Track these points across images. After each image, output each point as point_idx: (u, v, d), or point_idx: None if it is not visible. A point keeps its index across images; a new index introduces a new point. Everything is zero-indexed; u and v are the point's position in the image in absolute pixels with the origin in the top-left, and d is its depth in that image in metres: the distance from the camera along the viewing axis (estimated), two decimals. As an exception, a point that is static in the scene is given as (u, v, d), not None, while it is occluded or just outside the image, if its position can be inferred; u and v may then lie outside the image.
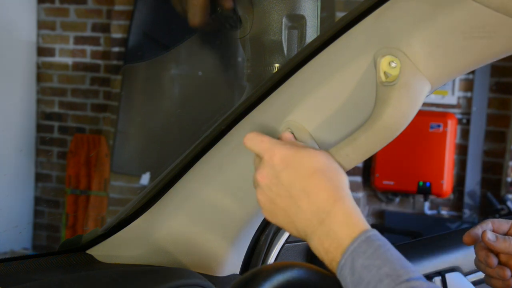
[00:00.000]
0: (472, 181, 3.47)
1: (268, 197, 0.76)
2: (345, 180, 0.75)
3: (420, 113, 3.51)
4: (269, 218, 0.78)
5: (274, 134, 0.86)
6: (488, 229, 0.95)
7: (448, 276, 1.18)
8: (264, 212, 0.79)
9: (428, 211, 3.50)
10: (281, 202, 0.75)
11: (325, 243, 0.71)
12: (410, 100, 0.74)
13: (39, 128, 4.07)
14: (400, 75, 0.74)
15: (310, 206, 0.73)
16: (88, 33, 3.96)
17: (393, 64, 0.75)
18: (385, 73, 0.75)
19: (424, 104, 3.42)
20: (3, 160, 3.80)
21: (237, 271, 1.01)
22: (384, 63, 0.75)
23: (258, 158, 0.79)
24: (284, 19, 0.97)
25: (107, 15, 3.89)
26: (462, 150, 3.49)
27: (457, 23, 0.72)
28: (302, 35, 0.98)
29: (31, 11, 4.00)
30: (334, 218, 0.71)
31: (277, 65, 0.99)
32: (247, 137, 0.79)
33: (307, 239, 0.75)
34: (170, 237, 0.97)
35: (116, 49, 3.83)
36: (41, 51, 4.04)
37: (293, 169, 0.74)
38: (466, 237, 0.95)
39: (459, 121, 3.48)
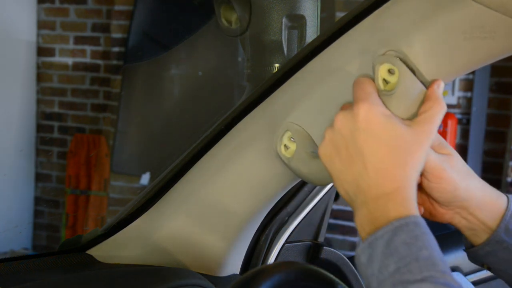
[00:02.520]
0: (472, 181, 3.46)
1: (335, 141, 0.73)
2: (422, 161, 0.71)
3: (420, 113, 3.43)
4: (323, 159, 0.74)
5: (273, 134, 0.86)
6: None
7: (448, 276, 1.18)
8: (321, 150, 0.75)
9: (428, 211, 3.49)
10: (346, 155, 0.71)
11: (374, 215, 0.68)
12: (407, 109, 0.74)
13: (39, 128, 4.07)
14: (398, 83, 0.74)
15: (377, 176, 0.69)
16: (88, 33, 3.96)
17: (392, 71, 0.74)
18: (384, 80, 0.75)
19: (424, 104, 3.42)
20: (3, 160, 3.80)
21: (237, 271, 1.01)
22: (382, 71, 0.75)
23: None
24: (284, 19, 0.97)
25: (107, 15, 3.89)
26: (462, 150, 3.49)
27: (457, 23, 0.72)
28: (302, 35, 0.98)
29: (31, 11, 4.00)
30: (395, 197, 0.68)
31: (277, 65, 0.99)
32: (358, 80, 0.74)
33: (353, 204, 0.71)
34: (170, 237, 0.97)
35: (116, 49, 3.83)
36: (41, 51, 4.04)
37: (375, 134, 0.70)
38: None
39: (459, 121, 3.48)
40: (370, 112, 0.71)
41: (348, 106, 0.75)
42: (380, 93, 0.74)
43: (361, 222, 0.70)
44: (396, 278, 0.63)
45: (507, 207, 0.80)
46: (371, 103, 0.72)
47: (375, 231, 0.67)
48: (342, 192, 0.73)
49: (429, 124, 0.72)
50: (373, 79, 0.75)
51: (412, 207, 0.68)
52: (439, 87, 0.74)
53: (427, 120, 0.72)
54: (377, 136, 0.70)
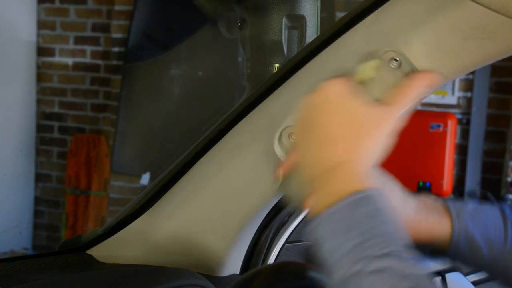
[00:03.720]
0: (472, 181, 3.47)
1: (306, 117, 0.74)
2: (380, 139, 0.71)
3: (420, 113, 3.52)
4: (296, 137, 0.77)
5: (273, 134, 0.86)
6: None
7: (448, 276, 1.18)
8: (296, 129, 0.76)
9: (428, 211, 3.49)
10: (311, 128, 0.72)
11: (331, 188, 0.67)
12: (380, 93, 0.74)
13: (39, 128, 4.07)
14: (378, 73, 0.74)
15: (335, 147, 0.70)
16: (88, 33, 3.96)
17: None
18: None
19: (424, 104, 3.43)
20: (3, 160, 3.80)
21: (237, 271, 1.01)
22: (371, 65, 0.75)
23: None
24: (284, 19, 0.97)
25: (107, 15, 3.89)
26: (462, 150, 3.49)
27: (457, 24, 0.72)
28: (302, 35, 0.98)
29: (31, 11, 4.00)
30: (351, 169, 0.68)
31: (277, 65, 0.99)
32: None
33: (313, 183, 0.70)
34: (170, 237, 0.97)
35: (116, 49, 3.83)
36: (41, 51, 4.04)
37: (338, 106, 0.71)
38: None
39: (459, 121, 3.48)
40: (338, 86, 0.72)
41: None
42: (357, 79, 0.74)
43: (318, 196, 0.68)
44: (360, 252, 0.61)
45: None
46: (342, 81, 0.73)
47: (334, 204, 0.65)
48: (306, 171, 0.72)
49: (393, 105, 0.72)
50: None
51: (369, 180, 0.67)
52: (423, 78, 0.73)
53: (391, 102, 0.72)
54: (339, 108, 0.71)
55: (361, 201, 0.65)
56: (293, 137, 0.83)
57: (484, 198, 3.43)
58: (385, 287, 0.59)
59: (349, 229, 0.63)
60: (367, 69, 0.75)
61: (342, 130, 0.70)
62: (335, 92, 0.72)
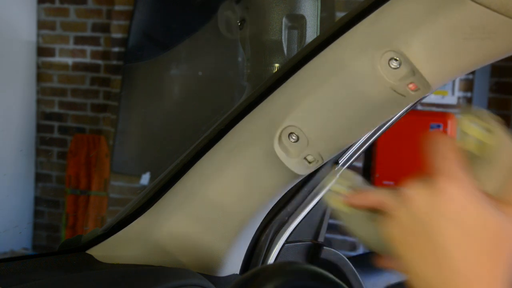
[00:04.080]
0: (472, 181, 3.46)
1: (410, 225, 0.57)
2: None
3: (420, 113, 3.52)
4: (396, 243, 0.59)
5: (273, 134, 0.86)
6: None
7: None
8: (393, 231, 0.59)
9: (428, 211, 3.49)
10: (426, 247, 0.56)
11: None
12: (498, 179, 0.60)
13: (39, 128, 4.07)
14: (493, 145, 0.60)
15: (466, 280, 0.55)
16: (88, 33, 3.96)
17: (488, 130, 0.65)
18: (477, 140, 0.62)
19: (424, 104, 3.43)
20: (3, 160, 3.80)
21: (237, 271, 1.01)
22: (477, 130, 0.63)
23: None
24: (284, 19, 0.97)
25: (107, 15, 3.89)
26: (462, 150, 3.49)
27: (457, 24, 0.72)
28: (302, 35, 0.98)
29: (31, 11, 4.00)
30: None
31: (277, 65, 0.99)
32: (439, 141, 0.58)
33: None
34: (170, 237, 0.97)
35: (116, 49, 3.83)
36: (41, 51, 4.04)
37: (466, 228, 0.55)
38: None
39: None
40: (460, 196, 0.56)
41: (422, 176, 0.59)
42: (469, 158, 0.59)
43: None
44: None
45: None
46: (462, 182, 0.56)
47: None
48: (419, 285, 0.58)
49: None
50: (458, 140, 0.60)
51: None
52: None
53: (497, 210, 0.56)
54: (468, 230, 0.55)
55: None
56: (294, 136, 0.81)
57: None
58: None
59: None
60: (476, 133, 0.59)
61: (478, 260, 0.55)
62: (457, 205, 0.55)
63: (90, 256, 1.02)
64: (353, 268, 1.10)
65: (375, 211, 0.63)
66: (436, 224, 0.56)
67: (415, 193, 0.58)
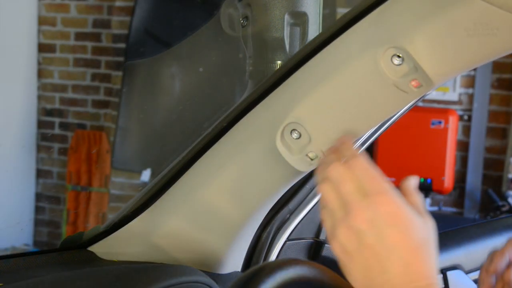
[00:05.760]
0: (474, 177, 3.47)
1: (353, 238, 0.67)
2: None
3: (421, 109, 3.51)
4: (341, 255, 0.69)
5: (275, 132, 0.86)
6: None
7: (449, 274, 1.18)
8: (336, 246, 0.69)
9: (429, 208, 3.50)
10: (370, 251, 0.66)
11: None
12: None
13: (40, 124, 4.07)
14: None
15: (408, 272, 0.65)
16: (89, 29, 3.96)
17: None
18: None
19: (425, 101, 3.42)
20: (4, 157, 3.81)
21: (239, 268, 1.01)
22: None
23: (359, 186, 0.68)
24: (286, 16, 0.97)
25: (108, 11, 3.88)
26: (463, 147, 3.49)
27: (460, 20, 0.71)
28: (304, 32, 0.98)
29: (32, 7, 3.99)
30: None
31: (279, 62, 0.99)
32: (363, 167, 0.69)
33: None
34: (172, 235, 0.97)
35: (117, 45, 3.83)
36: (42, 47, 4.04)
37: (401, 228, 0.66)
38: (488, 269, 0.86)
39: (461, 118, 3.48)
40: (393, 205, 0.67)
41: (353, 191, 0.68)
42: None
43: None
44: None
45: None
46: (391, 194, 0.68)
47: None
48: (358, 285, 0.68)
49: (430, 216, 0.70)
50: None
51: None
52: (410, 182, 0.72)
53: (426, 213, 0.70)
54: (403, 230, 0.66)
55: None
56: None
57: (485, 194, 3.43)
58: None
59: None
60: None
61: (413, 254, 0.66)
62: (392, 212, 0.66)
63: (92, 253, 1.02)
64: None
65: None
66: (376, 230, 0.66)
67: (357, 210, 0.67)
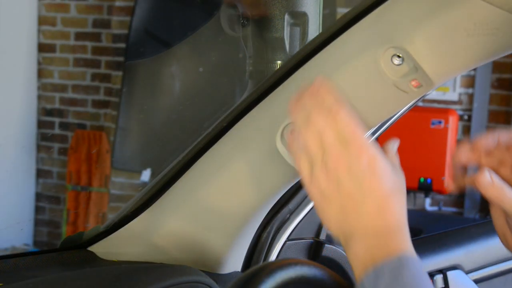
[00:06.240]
0: (473, 177, 3.46)
1: (329, 179, 0.72)
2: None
3: (421, 109, 3.51)
4: (315, 196, 0.74)
5: (275, 131, 0.86)
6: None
7: (449, 274, 1.18)
8: (313, 188, 0.74)
9: (429, 208, 3.50)
10: (346, 192, 0.71)
11: (375, 249, 0.69)
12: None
13: (40, 124, 4.07)
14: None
15: (380, 212, 0.71)
16: (89, 29, 3.96)
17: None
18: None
19: (425, 101, 3.42)
20: (4, 157, 3.81)
21: (239, 268, 1.01)
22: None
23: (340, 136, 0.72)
24: (286, 16, 0.97)
25: (108, 11, 3.88)
26: (463, 147, 3.48)
27: (460, 20, 0.71)
28: (304, 32, 0.98)
29: (32, 7, 4.00)
30: (398, 234, 0.70)
31: (279, 62, 0.99)
32: (343, 116, 0.73)
33: (345, 238, 0.72)
34: (172, 235, 0.97)
35: (117, 45, 3.83)
36: (42, 47, 4.04)
37: (377, 173, 0.71)
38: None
39: (461, 118, 3.48)
40: (371, 155, 0.72)
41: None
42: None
43: (357, 254, 0.70)
44: None
45: None
46: (370, 146, 0.72)
47: (381, 264, 0.67)
48: (333, 229, 0.74)
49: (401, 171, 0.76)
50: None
51: (411, 246, 0.70)
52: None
53: (398, 167, 0.76)
54: (378, 178, 0.71)
55: (408, 263, 0.67)
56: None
57: (485, 194, 3.42)
58: None
59: (396, 285, 0.65)
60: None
61: (387, 197, 0.71)
62: (369, 159, 0.71)
63: (92, 253, 1.02)
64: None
65: None
66: (352, 173, 0.71)
67: (334, 156, 0.72)
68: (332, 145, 0.72)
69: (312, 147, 0.73)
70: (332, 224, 0.73)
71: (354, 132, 0.72)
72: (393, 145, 0.79)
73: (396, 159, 0.78)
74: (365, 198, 0.71)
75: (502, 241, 0.83)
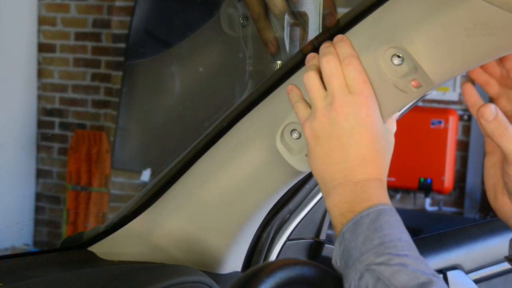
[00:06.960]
0: (473, 177, 3.47)
1: (327, 123, 0.76)
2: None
3: (421, 109, 3.53)
4: (310, 137, 0.78)
5: (275, 131, 0.86)
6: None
7: (449, 274, 1.18)
8: (308, 129, 0.78)
9: (429, 208, 3.50)
10: (336, 139, 0.76)
11: (354, 197, 0.73)
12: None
13: (40, 124, 4.07)
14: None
15: (363, 163, 0.75)
16: (89, 29, 3.96)
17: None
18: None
19: (425, 101, 3.43)
20: (4, 156, 3.81)
21: (239, 268, 1.02)
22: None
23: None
24: (286, 16, 0.97)
25: (108, 11, 3.88)
26: (463, 147, 3.49)
27: (460, 20, 0.71)
28: (304, 32, 0.98)
29: (32, 7, 4.00)
30: (377, 185, 0.74)
31: (279, 62, 0.99)
32: (357, 64, 0.77)
33: (325, 185, 0.76)
34: (172, 235, 0.97)
35: (117, 45, 3.83)
36: (42, 47, 4.04)
37: (368, 132, 0.75)
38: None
39: (460, 118, 3.48)
40: (371, 110, 0.76)
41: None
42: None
43: (337, 204, 0.74)
44: (381, 249, 0.68)
45: None
46: (373, 100, 0.76)
47: (360, 212, 0.72)
48: (316, 172, 0.78)
49: (393, 137, 0.80)
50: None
51: (388, 197, 0.75)
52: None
53: (393, 133, 0.80)
54: (370, 133, 0.75)
55: (384, 211, 0.72)
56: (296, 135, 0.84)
57: (485, 194, 3.43)
58: (408, 277, 0.66)
59: (371, 231, 0.70)
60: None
61: (372, 150, 0.75)
62: (367, 114, 0.75)
63: (92, 253, 1.02)
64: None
65: None
66: (348, 124, 0.74)
67: (341, 102, 0.75)
68: (339, 88, 0.75)
69: (317, 88, 0.77)
70: (316, 164, 0.77)
71: (364, 82, 0.75)
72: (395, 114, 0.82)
73: (393, 126, 0.81)
74: (352, 147, 0.75)
75: (489, 198, 0.82)
